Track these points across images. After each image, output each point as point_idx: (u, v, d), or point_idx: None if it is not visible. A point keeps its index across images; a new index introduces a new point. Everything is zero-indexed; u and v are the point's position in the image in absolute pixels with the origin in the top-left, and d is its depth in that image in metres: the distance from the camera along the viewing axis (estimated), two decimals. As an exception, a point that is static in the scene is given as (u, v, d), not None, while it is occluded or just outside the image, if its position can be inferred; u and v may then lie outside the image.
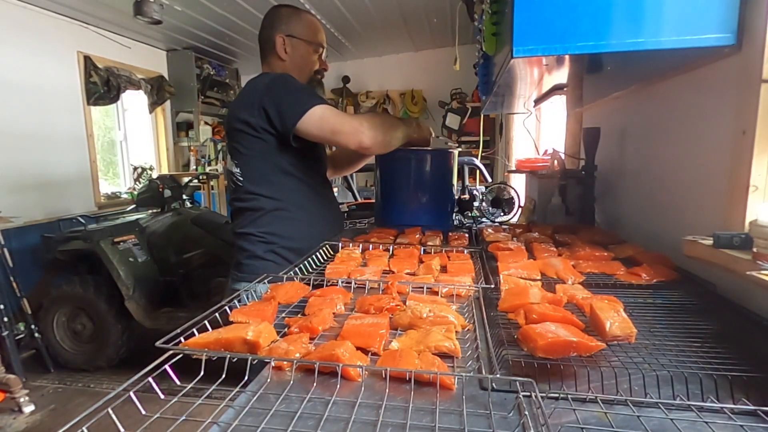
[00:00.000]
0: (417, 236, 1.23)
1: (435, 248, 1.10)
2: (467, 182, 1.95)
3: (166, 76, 4.46)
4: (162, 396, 0.46)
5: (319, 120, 1.13)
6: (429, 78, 4.87)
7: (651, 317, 0.66)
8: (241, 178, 1.22)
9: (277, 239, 1.21)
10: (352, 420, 0.43)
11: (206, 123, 5.02)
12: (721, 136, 0.82)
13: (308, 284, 0.83)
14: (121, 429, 0.40)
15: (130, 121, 4.47)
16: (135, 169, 4.51)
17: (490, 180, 3.12)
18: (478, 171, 2.98)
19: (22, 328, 2.83)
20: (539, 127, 2.57)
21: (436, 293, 0.79)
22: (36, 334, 2.80)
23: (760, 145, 0.71)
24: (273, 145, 1.18)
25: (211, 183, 4.29)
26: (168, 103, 4.55)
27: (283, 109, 1.14)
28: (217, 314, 0.64)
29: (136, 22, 3.29)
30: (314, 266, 0.99)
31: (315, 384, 0.49)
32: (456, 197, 1.68)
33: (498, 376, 0.48)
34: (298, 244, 1.19)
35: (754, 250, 0.66)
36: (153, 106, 4.30)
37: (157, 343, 0.53)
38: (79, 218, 3.41)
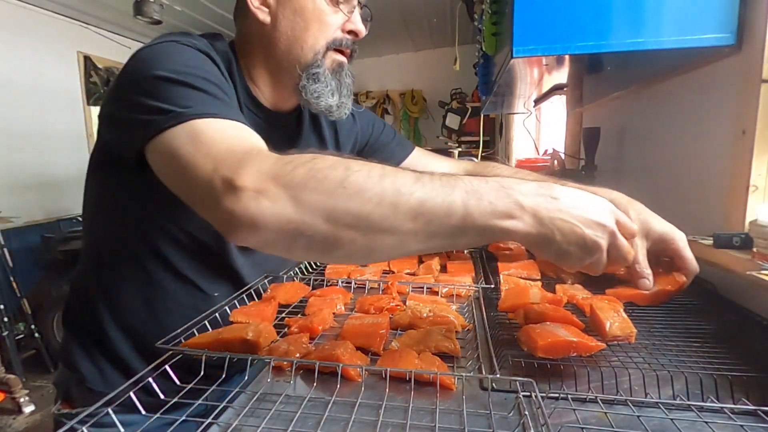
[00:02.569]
0: (417, 236, 1.22)
1: (435, 248, 1.09)
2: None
3: (166, 76, 4.46)
4: (162, 396, 0.46)
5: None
6: (429, 78, 4.87)
7: (651, 317, 0.66)
8: None
9: None
10: (352, 420, 0.42)
11: (206, 123, 5.01)
12: (721, 136, 0.82)
13: (308, 284, 0.83)
14: (121, 429, 0.40)
15: (130, 121, 4.46)
16: (135, 169, 4.51)
17: (490, 180, 3.11)
18: (478, 171, 2.98)
19: (22, 328, 2.83)
20: (539, 127, 2.57)
21: (436, 293, 0.79)
22: (36, 334, 2.80)
23: (760, 145, 0.71)
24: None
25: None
26: (168, 103, 4.54)
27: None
28: (217, 314, 0.64)
29: (136, 22, 3.29)
30: (314, 266, 0.99)
31: (315, 384, 0.49)
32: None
33: (498, 376, 0.48)
34: None
35: (754, 250, 0.66)
36: (153, 106, 4.30)
37: (157, 344, 0.53)
38: (79, 218, 3.41)
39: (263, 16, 0.70)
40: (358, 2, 0.73)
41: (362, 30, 0.74)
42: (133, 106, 0.54)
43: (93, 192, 0.73)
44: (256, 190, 0.43)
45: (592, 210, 0.47)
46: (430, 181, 0.45)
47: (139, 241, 0.69)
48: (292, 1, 0.69)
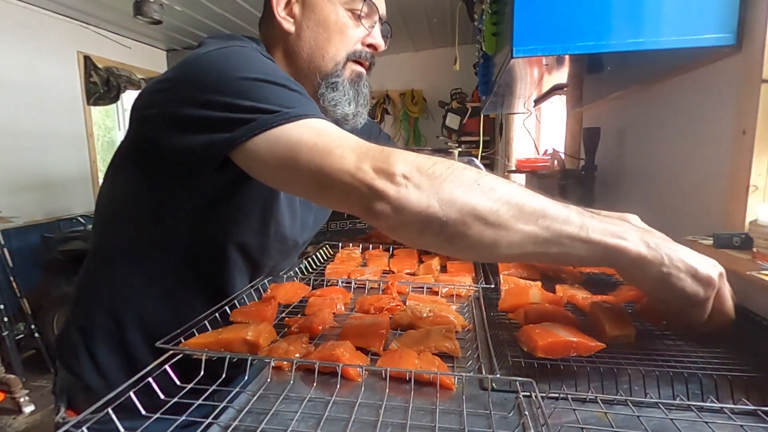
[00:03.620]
0: (417, 236, 1.22)
1: (435, 248, 1.09)
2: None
3: (166, 76, 4.47)
4: (162, 396, 0.46)
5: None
6: (429, 78, 4.87)
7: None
8: None
9: None
10: (352, 420, 0.43)
11: (206, 123, 5.01)
12: (721, 136, 0.82)
13: (308, 284, 0.83)
14: (121, 429, 0.40)
15: (130, 121, 4.46)
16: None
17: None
18: (478, 171, 2.98)
19: (22, 328, 2.83)
20: (539, 127, 2.57)
21: (436, 293, 0.79)
22: (36, 334, 2.80)
23: (760, 145, 0.71)
24: None
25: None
26: (168, 103, 4.55)
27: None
28: (217, 314, 0.64)
29: (136, 22, 3.29)
30: (314, 266, 0.99)
31: (315, 384, 0.49)
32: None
33: (498, 376, 0.48)
34: None
35: (754, 250, 0.66)
36: (153, 106, 4.29)
37: (157, 344, 0.53)
38: (79, 218, 3.43)
39: (288, 25, 0.72)
40: (379, 18, 0.76)
41: (382, 44, 0.77)
42: (218, 107, 0.54)
43: (118, 191, 0.71)
44: (404, 177, 0.48)
45: (696, 254, 0.50)
46: (545, 197, 0.50)
47: (173, 245, 0.69)
48: (317, 13, 0.72)
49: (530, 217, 0.48)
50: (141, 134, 0.65)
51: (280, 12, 0.72)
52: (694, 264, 0.48)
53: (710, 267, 0.49)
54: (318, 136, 0.52)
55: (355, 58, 0.75)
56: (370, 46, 0.76)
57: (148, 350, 0.70)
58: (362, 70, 0.77)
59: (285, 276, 0.85)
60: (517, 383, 0.46)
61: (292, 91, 0.57)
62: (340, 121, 0.78)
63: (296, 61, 0.74)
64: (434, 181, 0.48)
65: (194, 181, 0.63)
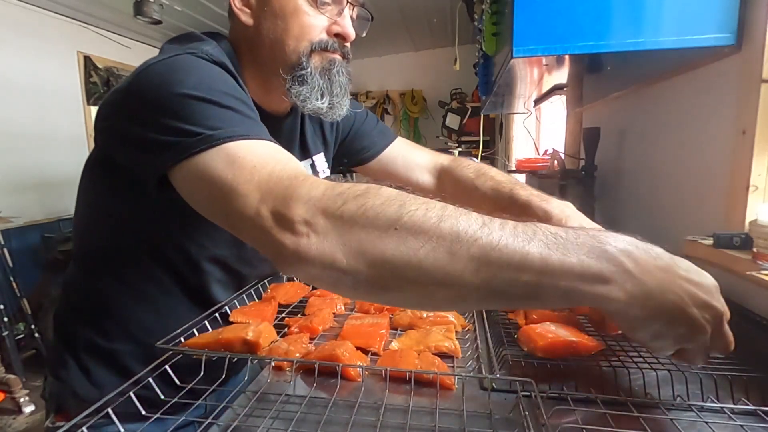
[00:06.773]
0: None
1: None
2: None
3: (166, 76, 4.46)
4: (162, 396, 0.46)
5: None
6: (429, 78, 4.87)
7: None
8: None
9: None
10: (352, 420, 0.43)
11: (206, 123, 5.01)
12: (721, 136, 0.82)
13: (308, 284, 0.83)
14: (121, 429, 0.40)
15: (130, 121, 4.46)
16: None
17: (490, 180, 3.11)
18: (478, 171, 2.98)
19: (22, 328, 2.83)
20: (539, 127, 2.57)
21: (436, 293, 0.79)
22: (36, 334, 2.80)
23: (760, 145, 0.71)
24: None
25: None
26: (168, 103, 4.54)
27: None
28: (217, 314, 0.64)
29: (136, 22, 3.29)
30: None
31: (315, 384, 0.49)
32: (456, 197, 1.68)
33: (498, 376, 0.48)
34: None
35: (754, 250, 0.66)
36: (153, 106, 4.29)
37: (158, 344, 0.53)
38: (79, 218, 3.40)
39: (246, 18, 0.67)
40: (350, 3, 0.68)
41: (350, 33, 0.69)
42: (152, 126, 0.51)
43: (92, 198, 0.69)
44: (305, 224, 0.41)
45: (704, 278, 0.39)
46: (501, 228, 0.38)
47: (150, 253, 0.66)
48: (272, 3, 0.65)
49: (465, 268, 0.37)
50: (99, 145, 0.63)
51: (236, 3, 0.66)
52: (691, 313, 0.38)
53: (705, 315, 0.39)
54: (231, 168, 0.46)
55: (321, 48, 0.67)
56: (337, 35, 0.68)
57: (139, 359, 0.67)
58: (334, 56, 0.69)
59: (285, 276, 0.85)
60: (517, 383, 0.46)
61: (224, 108, 0.51)
62: (317, 116, 0.72)
63: (260, 55, 0.68)
64: (342, 228, 0.40)
65: (150, 195, 0.57)
